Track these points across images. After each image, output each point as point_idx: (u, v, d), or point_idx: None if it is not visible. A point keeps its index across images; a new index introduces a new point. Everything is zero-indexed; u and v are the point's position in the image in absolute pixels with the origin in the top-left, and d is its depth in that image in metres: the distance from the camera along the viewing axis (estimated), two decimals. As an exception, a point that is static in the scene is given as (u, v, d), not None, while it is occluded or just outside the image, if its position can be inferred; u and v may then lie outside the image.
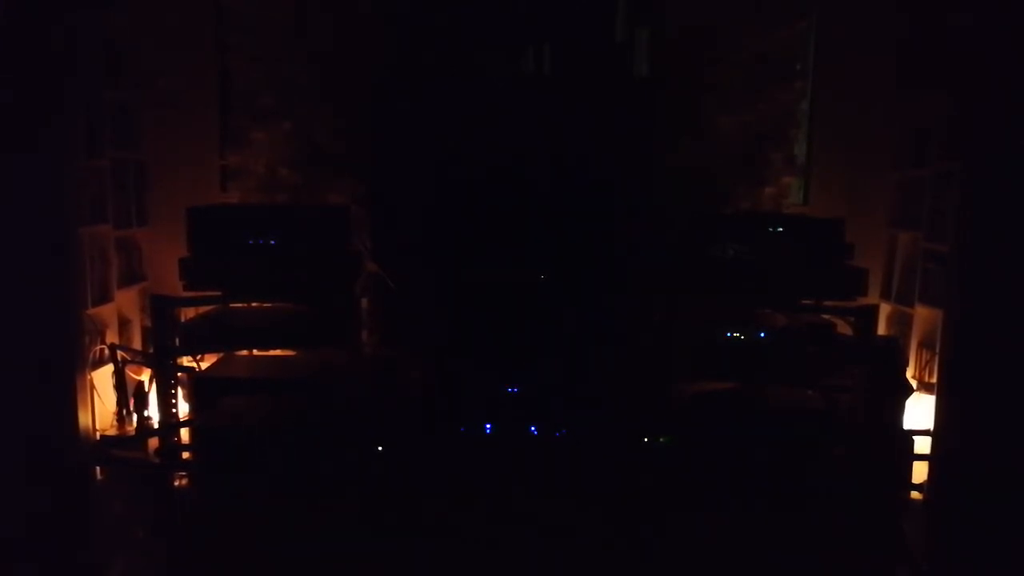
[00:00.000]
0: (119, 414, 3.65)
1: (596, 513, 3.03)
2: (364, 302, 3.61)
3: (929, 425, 3.08)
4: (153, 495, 3.22)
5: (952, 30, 3.46)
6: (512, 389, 3.45)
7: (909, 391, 3.28)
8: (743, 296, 3.37)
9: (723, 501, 3.05)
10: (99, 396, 3.61)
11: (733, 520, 2.97)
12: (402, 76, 3.64)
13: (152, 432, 3.53)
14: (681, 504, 3.08)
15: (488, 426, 3.40)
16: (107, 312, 3.74)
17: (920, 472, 3.15)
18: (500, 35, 3.65)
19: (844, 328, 3.39)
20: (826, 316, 3.37)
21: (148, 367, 3.68)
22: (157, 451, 3.42)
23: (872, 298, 3.63)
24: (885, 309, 3.91)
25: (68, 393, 2.92)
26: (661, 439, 3.21)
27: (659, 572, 2.72)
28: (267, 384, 3.39)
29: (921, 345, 3.71)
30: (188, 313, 3.51)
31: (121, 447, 3.49)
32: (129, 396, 3.66)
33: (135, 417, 3.64)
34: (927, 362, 3.63)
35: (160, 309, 3.29)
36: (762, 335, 3.31)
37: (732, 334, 3.32)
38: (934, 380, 3.28)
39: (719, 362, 3.31)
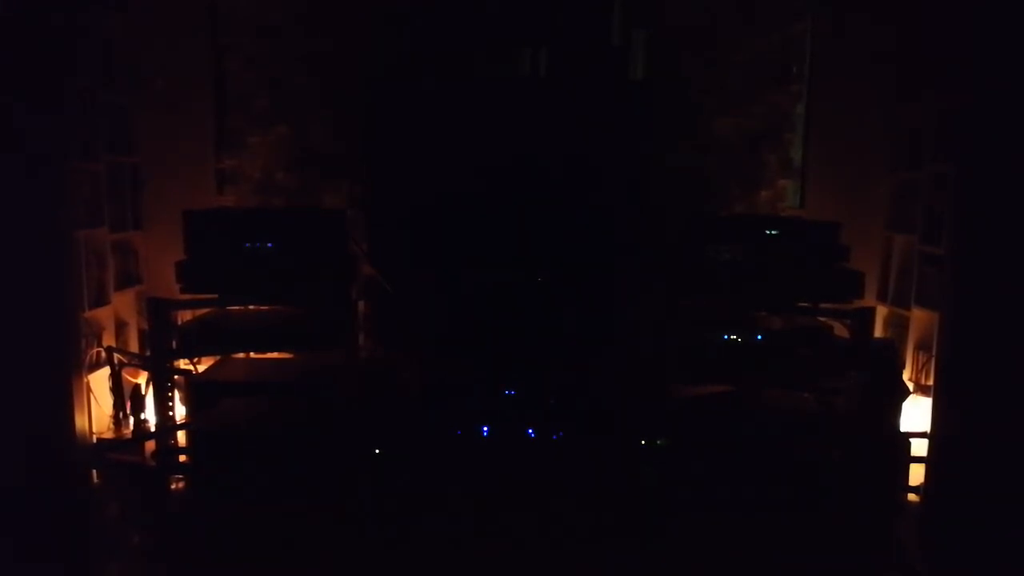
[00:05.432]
0: (116, 417, 3.64)
1: (593, 516, 3.03)
2: (361, 305, 3.61)
3: (926, 427, 3.08)
4: (150, 498, 3.22)
5: (945, 32, 3.47)
6: (509, 392, 3.46)
7: (906, 393, 3.28)
8: (739, 299, 3.37)
9: (720, 504, 3.05)
10: (96, 399, 3.61)
11: (729, 523, 2.98)
12: (399, 78, 3.64)
13: (149, 435, 3.53)
14: (677, 507, 3.09)
15: (485, 429, 3.40)
16: (104, 315, 3.73)
17: (917, 475, 3.15)
18: (497, 37, 3.65)
19: (841, 331, 3.40)
20: (822, 319, 3.38)
21: (145, 370, 3.67)
22: (154, 454, 3.42)
23: (868, 301, 3.63)
24: (881, 311, 3.92)
25: (65, 396, 2.91)
26: (658, 442, 3.21)
27: (656, 575, 2.73)
28: (264, 387, 3.38)
29: (918, 347, 3.71)
30: (185, 316, 3.51)
31: (118, 450, 3.48)
32: (126, 399, 3.65)
33: (132, 420, 3.63)
34: (924, 364, 3.63)
35: (157, 312, 3.29)
36: (759, 338, 3.31)
37: (729, 337, 3.32)
38: (931, 382, 3.29)
39: (716, 365, 3.32)
